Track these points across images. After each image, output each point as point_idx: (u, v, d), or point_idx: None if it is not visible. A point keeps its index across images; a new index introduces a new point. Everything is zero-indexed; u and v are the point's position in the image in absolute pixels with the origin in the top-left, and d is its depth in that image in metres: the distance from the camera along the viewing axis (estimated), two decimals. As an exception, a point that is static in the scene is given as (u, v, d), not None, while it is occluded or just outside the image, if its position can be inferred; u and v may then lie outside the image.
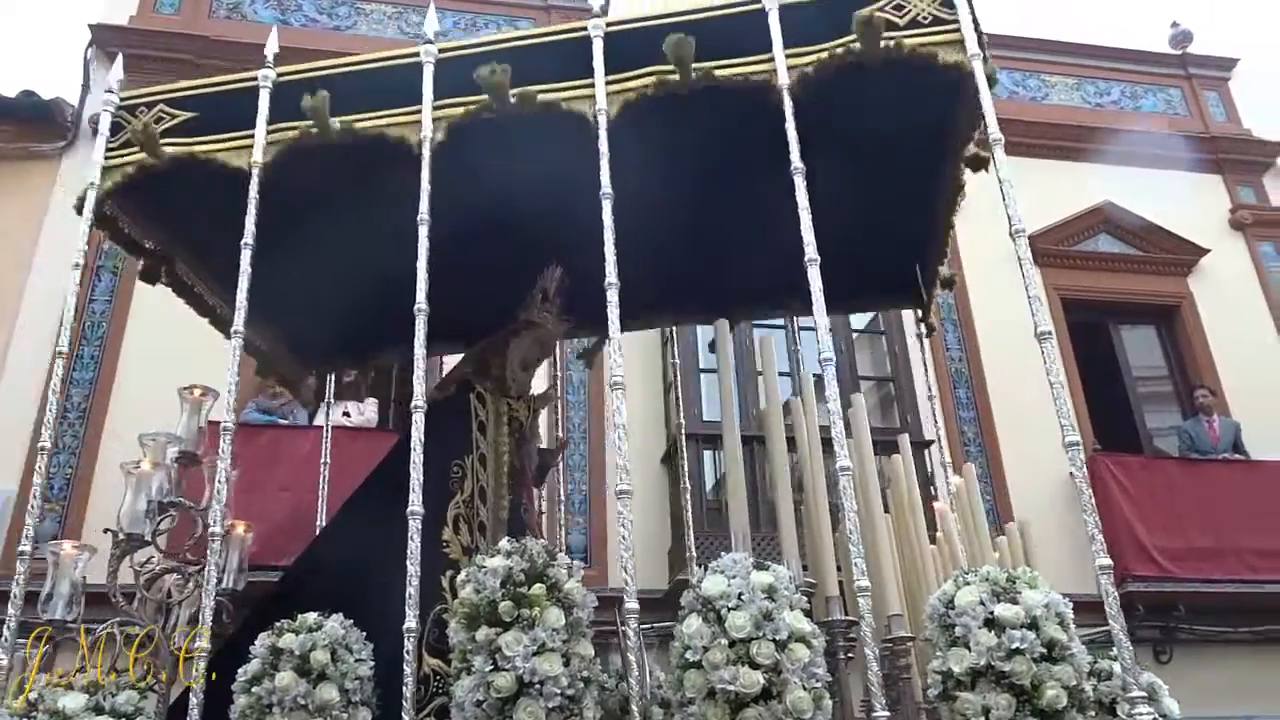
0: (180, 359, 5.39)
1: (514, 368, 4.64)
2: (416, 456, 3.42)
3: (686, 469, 5.69)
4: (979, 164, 4.17)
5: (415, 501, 3.35)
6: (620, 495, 3.31)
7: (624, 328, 3.53)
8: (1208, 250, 10.42)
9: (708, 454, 8.14)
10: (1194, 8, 12.18)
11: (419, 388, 3.54)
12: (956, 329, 9.58)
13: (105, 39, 9.14)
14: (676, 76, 3.79)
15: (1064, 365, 9.45)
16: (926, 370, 5.67)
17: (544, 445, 5.02)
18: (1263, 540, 8.49)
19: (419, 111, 3.87)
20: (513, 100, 3.83)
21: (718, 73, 3.81)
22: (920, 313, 5.22)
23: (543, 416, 5.20)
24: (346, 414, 7.63)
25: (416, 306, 3.60)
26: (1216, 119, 11.57)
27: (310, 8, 10.12)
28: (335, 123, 3.89)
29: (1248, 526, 8.39)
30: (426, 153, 3.79)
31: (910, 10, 3.86)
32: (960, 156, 4.20)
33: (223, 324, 4.67)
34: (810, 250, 3.46)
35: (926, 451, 7.84)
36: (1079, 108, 11.40)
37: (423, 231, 3.69)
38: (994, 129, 3.63)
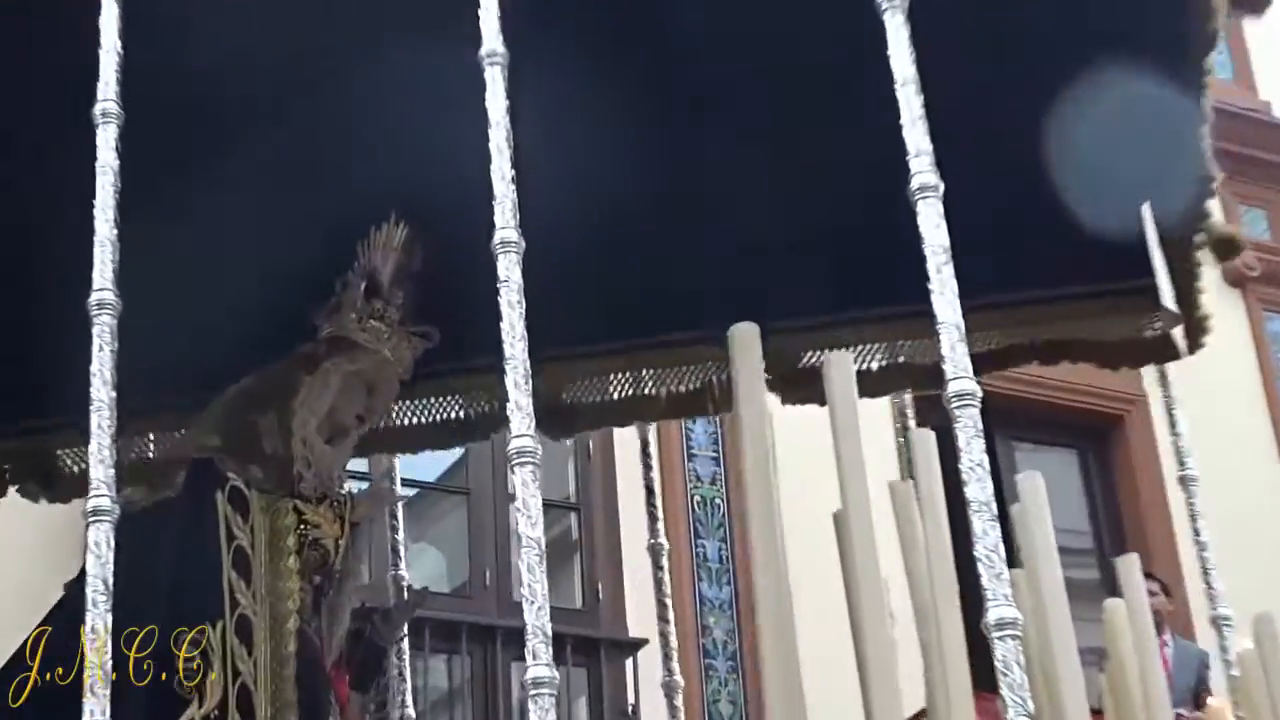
0: None
1: (310, 435, 2.28)
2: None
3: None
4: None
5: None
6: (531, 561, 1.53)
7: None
8: None
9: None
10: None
11: (98, 473, 1.63)
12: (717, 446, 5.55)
13: None
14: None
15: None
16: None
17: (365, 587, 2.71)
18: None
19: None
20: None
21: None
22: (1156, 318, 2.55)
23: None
24: None
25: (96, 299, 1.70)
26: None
27: None
28: None
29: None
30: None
31: None
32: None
33: None
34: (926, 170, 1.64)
35: (632, 659, 4.83)
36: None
37: (106, 135, 1.77)
38: None
